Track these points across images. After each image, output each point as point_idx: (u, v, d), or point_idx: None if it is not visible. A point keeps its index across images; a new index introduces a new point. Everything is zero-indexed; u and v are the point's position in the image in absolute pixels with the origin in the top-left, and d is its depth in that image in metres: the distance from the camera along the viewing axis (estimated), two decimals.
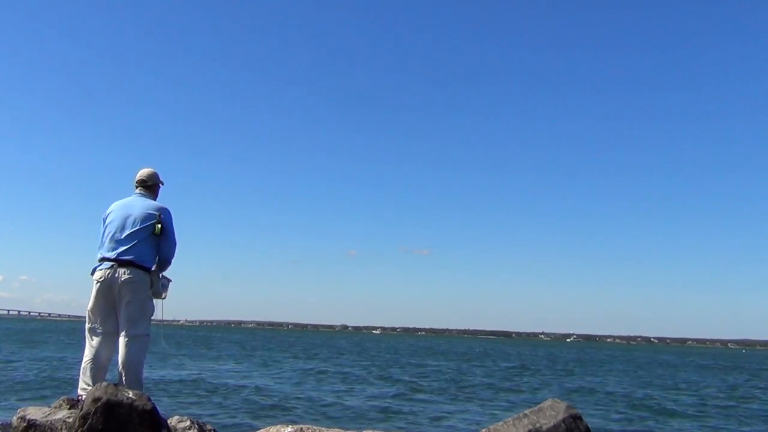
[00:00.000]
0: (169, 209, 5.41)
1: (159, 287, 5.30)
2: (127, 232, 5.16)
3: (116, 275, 5.07)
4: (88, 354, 5.11)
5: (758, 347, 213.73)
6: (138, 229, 5.17)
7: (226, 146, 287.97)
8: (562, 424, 4.46)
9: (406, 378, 19.17)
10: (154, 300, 5.34)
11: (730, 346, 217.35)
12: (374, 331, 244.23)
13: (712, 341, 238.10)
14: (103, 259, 5.17)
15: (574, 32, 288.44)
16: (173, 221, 5.41)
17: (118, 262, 5.09)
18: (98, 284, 5.11)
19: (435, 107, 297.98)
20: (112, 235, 5.18)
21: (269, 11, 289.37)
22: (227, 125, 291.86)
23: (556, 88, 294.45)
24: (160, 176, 5.60)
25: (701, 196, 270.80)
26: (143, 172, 5.55)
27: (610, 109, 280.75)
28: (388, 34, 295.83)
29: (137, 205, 5.31)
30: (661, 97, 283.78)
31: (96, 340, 5.10)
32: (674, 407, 14.27)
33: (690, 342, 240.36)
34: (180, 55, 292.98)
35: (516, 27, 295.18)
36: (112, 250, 5.13)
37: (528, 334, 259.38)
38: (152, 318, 5.34)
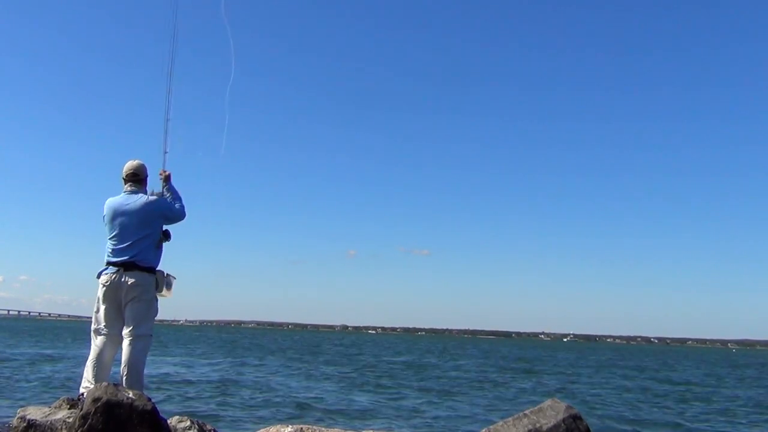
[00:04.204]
0: (159, 197, 5.39)
1: (164, 285, 5.32)
2: (130, 235, 5.17)
3: (122, 279, 5.11)
4: (92, 354, 5.15)
5: (758, 347, 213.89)
6: (143, 234, 5.19)
7: (226, 146, 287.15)
8: (562, 424, 4.47)
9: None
10: (160, 299, 5.35)
11: (730, 346, 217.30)
12: (370, 331, 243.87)
13: (713, 341, 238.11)
14: (108, 264, 5.19)
15: (576, 32, 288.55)
16: (168, 202, 5.42)
17: (124, 266, 5.12)
18: (104, 288, 5.14)
19: (435, 107, 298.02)
20: (116, 239, 5.20)
21: (268, 10, 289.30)
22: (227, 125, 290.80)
23: (556, 87, 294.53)
24: (146, 168, 5.51)
25: (701, 195, 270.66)
26: (133, 165, 5.42)
27: (610, 109, 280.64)
28: (388, 33, 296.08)
29: (135, 205, 5.26)
30: (662, 97, 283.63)
31: (101, 341, 5.16)
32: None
33: (690, 342, 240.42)
34: (178, 53, 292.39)
35: (517, 27, 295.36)
36: (118, 255, 5.15)
37: (528, 334, 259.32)
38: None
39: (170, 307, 5.99)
